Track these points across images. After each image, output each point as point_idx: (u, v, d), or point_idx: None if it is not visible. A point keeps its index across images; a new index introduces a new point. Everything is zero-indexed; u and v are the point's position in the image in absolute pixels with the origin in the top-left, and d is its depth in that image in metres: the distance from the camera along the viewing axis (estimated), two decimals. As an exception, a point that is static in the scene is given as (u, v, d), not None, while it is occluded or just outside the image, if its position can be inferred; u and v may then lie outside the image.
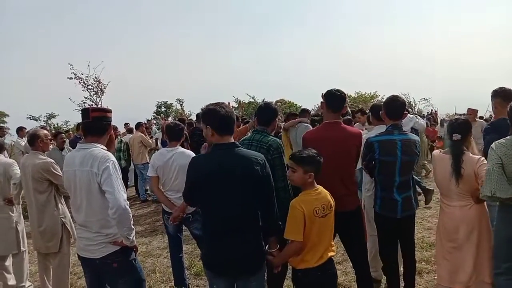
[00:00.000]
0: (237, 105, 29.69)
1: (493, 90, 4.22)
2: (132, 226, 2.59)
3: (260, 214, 2.48)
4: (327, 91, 3.22)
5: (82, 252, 2.70)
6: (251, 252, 2.45)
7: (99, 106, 17.32)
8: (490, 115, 8.92)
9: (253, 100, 27.61)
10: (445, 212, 3.13)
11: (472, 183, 2.91)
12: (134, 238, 2.65)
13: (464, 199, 2.99)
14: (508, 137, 2.72)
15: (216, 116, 2.36)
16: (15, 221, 4.19)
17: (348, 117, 6.75)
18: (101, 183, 2.51)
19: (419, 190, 4.35)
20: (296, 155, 2.62)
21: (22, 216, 4.39)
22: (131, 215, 2.55)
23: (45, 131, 4.29)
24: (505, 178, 2.65)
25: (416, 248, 4.07)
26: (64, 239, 4.01)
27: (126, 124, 11.52)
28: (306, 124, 6.41)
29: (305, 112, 7.35)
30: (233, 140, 2.43)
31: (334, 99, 3.18)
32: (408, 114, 6.58)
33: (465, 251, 3.02)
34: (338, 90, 3.19)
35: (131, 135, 9.49)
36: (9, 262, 4.22)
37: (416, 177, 3.93)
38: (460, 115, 9.95)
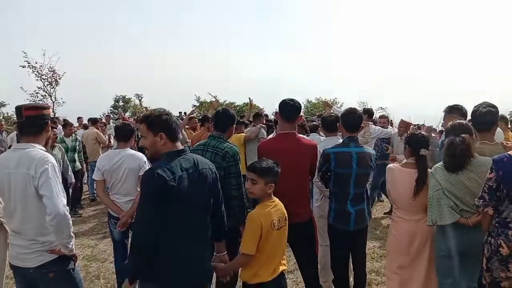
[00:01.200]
0: (198, 104, 29.47)
1: (449, 106, 4.35)
2: (72, 234, 2.41)
3: (211, 219, 2.44)
4: (282, 101, 3.17)
5: (15, 261, 2.48)
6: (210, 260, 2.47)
7: (52, 97, 16.73)
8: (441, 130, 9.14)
9: (214, 100, 27.46)
10: (400, 225, 3.15)
11: (426, 196, 2.95)
12: (73, 246, 2.47)
13: (420, 212, 3.03)
14: (446, 160, 2.78)
15: (170, 122, 2.26)
16: None
17: (314, 123, 6.71)
18: (38, 187, 2.31)
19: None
20: (257, 167, 2.53)
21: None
22: (70, 222, 2.36)
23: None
24: (446, 204, 2.74)
25: (366, 259, 4.12)
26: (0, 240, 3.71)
27: (79, 119, 11.02)
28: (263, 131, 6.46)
29: (258, 116, 7.32)
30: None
31: (288, 109, 3.14)
32: (373, 125, 6.67)
33: (417, 265, 3.07)
34: (291, 100, 3.16)
35: (86, 130, 9.02)
36: None
37: None
38: (416, 125, 10.25)
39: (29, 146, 2.43)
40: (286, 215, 2.65)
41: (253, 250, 2.44)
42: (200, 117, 9.07)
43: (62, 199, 2.32)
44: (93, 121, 9.20)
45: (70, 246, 2.43)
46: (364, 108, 7.42)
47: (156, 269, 2.16)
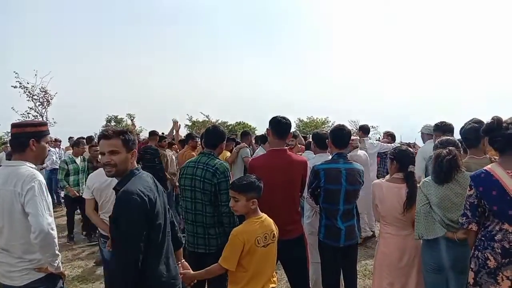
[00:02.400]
0: (190, 123, 29.54)
1: (435, 124, 4.48)
2: (57, 252, 2.40)
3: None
4: (273, 118, 3.23)
5: (2, 279, 2.45)
6: None
7: (43, 117, 16.66)
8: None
9: (207, 119, 27.53)
10: (389, 241, 3.17)
11: (414, 212, 2.98)
12: (60, 264, 2.45)
13: (408, 227, 3.06)
14: (433, 172, 2.84)
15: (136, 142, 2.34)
16: None
17: (309, 140, 6.77)
18: (24, 204, 2.31)
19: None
20: (236, 184, 2.54)
21: None
22: (56, 240, 2.35)
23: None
24: (432, 218, 2.80)
25: (358, 276, 4.10)
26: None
27: (70, 139, 10.97)
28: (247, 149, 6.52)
29: (246, 135, 7.35)
30: None
31: (280, 126, 3.20)
32: (369, 141, 6.82)
33: (407, 281, 3.08)
34: (283, 117, 3.22)
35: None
36: None
37: None
38: (406, 143, 10.36)
39: (18, 164, 2.44)
40: (275, 231, 2.63)
41: (232, 266, 2.44)
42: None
43: (47, 217, 2.31)
44: (88, 140, 8.98)
45: (56, 264, 2.41)
46: (360, 125, 7.59)
47: None
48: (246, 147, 6.73)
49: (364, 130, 7.27)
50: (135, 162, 2.27)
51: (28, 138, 2.50)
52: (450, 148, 2.79)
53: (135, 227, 2.01)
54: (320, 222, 3.35)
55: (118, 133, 2.19)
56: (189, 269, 2.64)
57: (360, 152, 5.64)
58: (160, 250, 2.22)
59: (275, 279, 2.69)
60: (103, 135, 2.17)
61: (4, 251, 2.43)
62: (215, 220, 3.04)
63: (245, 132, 7.63)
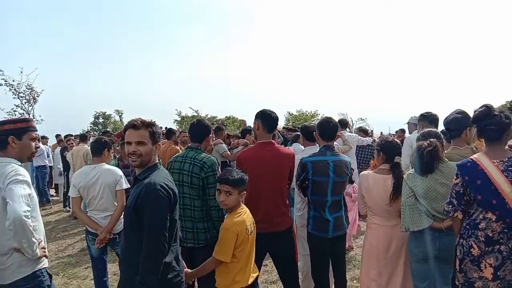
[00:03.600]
0: (179, 118, 29.37)
1: (421, 114, 4.51)
2: (34, 240, 2.35)
3: None
4: (261, 111, 3.24)
5: None
6: None
7: (30, 115, 16.44)
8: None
9: (196, 114, 27.41)
10: (376, 231, 3.20)
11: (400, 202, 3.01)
12: (37, 251, 2.40)
13: (395, 218, 3.09)
14: (416, 164, 2.87)
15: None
16: None
17: (297, 133, 6.80)
18: (4, 197, 2.31)
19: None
20: (230, 179, 2.56)
21: None
22: (31, 227, 2.30)
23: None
24: (418, 209, 2.84)
25: (348, 266, 4.14)
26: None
27: (57, 136, 10.84)
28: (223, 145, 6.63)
29: (219, 130, 7.38)
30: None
31: (268, 119, 3.21)
32: (348, 133, 6.87)
33: (394, 270, 3.12)
34: (271, 111, 3.24)
35: (76, 147, 8.67)
36: None
37: None
38: (393, 135, 10.53)
39: (2, 160, 2.45)
40: (254, 221, 2.73)
41: (227, 258, 2.49)
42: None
43: (22, 205, 2.27)
44: (82, 137, 8.81)
45: (32, 251, 2.36)
46: (339, 120, 7.75)
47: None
48: (221, 143, 6.76)
49: (342, 124, 7.41)
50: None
51: (6, 136, 2.50)
52: (431, 140, 2.82)
53: (163, 216, 2.10)
54: (308, 213, 3.37)
55: (146, 124, 2.24)
56: (186, 267, 2.63)
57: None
58: (174, 243, 2.26)
59: (255, 268, 2.77)
60: (132, 125, 2.21)
61: None
62: (203, 214, 3.03)
63: (218, 128, 7.59)
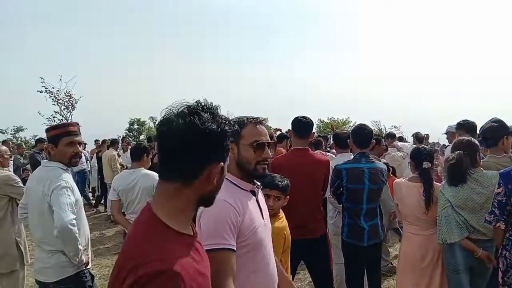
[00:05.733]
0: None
1: (458, 123, 4.40)
2: (80, 247, 2.49)
3: None
4: (294, 118, 3.26)
5: (37, 275, 2.59)
6: None
7: (68, 121, 17.07)
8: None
9: (227, 121, 27.61)
10: (411, 241, 3.14)
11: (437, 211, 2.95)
12: (83, 258, 2.54)
13: (431, 227, 3.02)
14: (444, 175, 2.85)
15: None
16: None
17: (319, 139, 6.80)
18: (50, 203, 2.44)
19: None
20: (280, 184, 2.59)
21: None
22: (77, 235, 2.43)
23: (5, 147, 4.12)
24: (455, 220, 2.76)
25: (383, 276, 4.06)
26: (17, 260, 3.78)
27: (96, 141, 11.24)
28: None
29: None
30: None
31: (300, 125, 3.22)
32: (399, 143, 7.15)
33: (431, 281, 3.04)
34: (304, 117, 3.24)
35: (106, 151, 9.03)
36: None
37: None
38: (431, 143, 10.25)
39: (50, 164, 2.62)
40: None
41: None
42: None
43: (68, 214, 2.41)
44: (112, 143, 9.21)
45: (78, 258, 2.49)
46: (388, 133, 8.64)
47: None
48: None
49: (391, 136, 8.37)
50: None
51: (48, 143, 2.70)
52: (458, 152, 2.77)
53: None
54: (343, 221, 3.34)
55: None
56: None
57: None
58: None
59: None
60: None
61: (39, 246, 2.58)
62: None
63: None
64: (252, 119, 1.79)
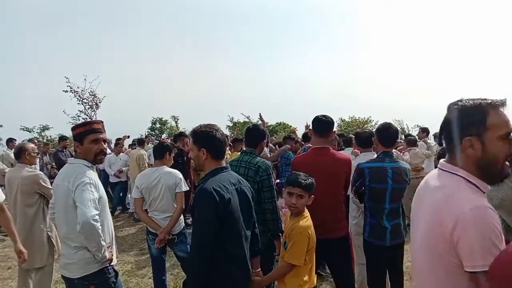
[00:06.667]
0: (231, 124, 29.83)
1: None
2: (103, 243, 2.51)
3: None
4: (315, 117, 3.24)
5: (62, 270, 2.63)
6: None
7: (93, 119, 17.40)
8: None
9: (248, 120, 27.69)
10: None
11: None
12: (106, 254, 2.56)
13: None
14: None
15: (213, 139, 2.28)
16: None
17: (351, 136, 6.82)
18: (74, 199, 2.48)
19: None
20: (303, 182, 2.58)
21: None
22: (99, 231, 2.46)
23: (33, 145, 4.24)
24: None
25: (405, 277, 3.99)
26: (49, 254, 3.91)
27: (118, 140, 11.38)
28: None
29: (288, 139, 7.41)
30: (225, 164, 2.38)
31: (320, 124, 3.21)
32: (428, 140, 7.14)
33: None
34: (324, 116, 3.23)
35: (133, 150, 9.14)
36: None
37: None
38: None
39: (76, 162, 2.66)
40: None
41: (301, 262, 2.51)
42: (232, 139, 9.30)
43: (91, 209, 2.43)
44: (139, 142, 9.26)
45: (101, 254, 2.51)
46: (423, 127, 8.49)
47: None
48: (289, 149, 6.86)
49: (427, 131, 8.31)
50: (214, 160, 2.31)
51: (74, 141, 2.72)
52: None
53: (204, 216, 2.07)
54: (364, 220, 3.30)
55: (190, 132, 2.41)
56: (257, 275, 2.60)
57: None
58: (236, 249, 2.24)
59: None
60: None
61: (64, 242, 2.62)
62: (258, 218, 3.06)
63: (288, 137, 7.75)
64: (495, 102, 1.41)
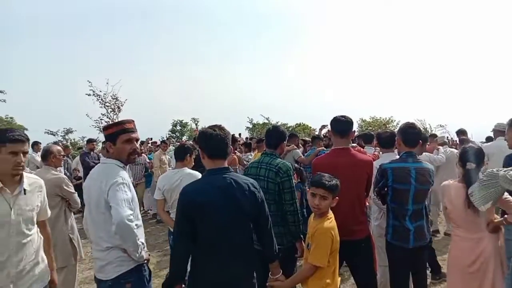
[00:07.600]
0: (251, 125, 29.89)
1: (510, 119, 4.13)
2: (139, 243, 2.47)
3: (259, 241, 2.49)
4: (333, 117, 3.21)
5: (98, 274, 2.57)
6: (252, 277, 2.43)
7: (124, 119, 17.57)
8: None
9: (267, 121, 27.69)
10: (460, 245, 2.99)
11: (488, 213, 2.81)
12: (143, 253, 2.53)
13: (481, 231, 2.88)
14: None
15: (208, 139, 2.30)
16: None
17: (371, 133, 6.72)
18: (107, 199, 2.43)
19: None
20: (327, 183, 2.56)
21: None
22: (135, 230, 2.42)
23: (58, 147, 4.32)
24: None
25: (428, 280, 3.91)
26: (71, 255, 3.98)
27: (141, 142, 11.61)
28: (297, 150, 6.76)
29: (293, 136, 7.37)
30: (226, 165, 2.36)
31: (339, 124, 3.17)
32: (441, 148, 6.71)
33: (480, 286, 2.89)
34: (343, 116, 3.18)
35: (157, 152, 9.41)
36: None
37: None
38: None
39: (109, 161, 2.61)
40: None
41: (325, 263, 2.48)
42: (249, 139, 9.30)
43: (125, 210, 2.38)
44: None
45: (138, 254, 2.48)
46: (460, 130, 7.97)
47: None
48: (295, 148, 6.81)
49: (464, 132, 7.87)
50: (210, 160, 2.36)
51: (106, 141, 2.69)
52: None
53: (178, 214, 2.29)
54: (387, 222, 3.24)
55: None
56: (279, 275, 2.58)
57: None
58: (213, 250, 2.27)
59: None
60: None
61: (96, 244, 2.56)
62: (279, 219, 3.06)
63: (292, 134, 7.62)
64: None
